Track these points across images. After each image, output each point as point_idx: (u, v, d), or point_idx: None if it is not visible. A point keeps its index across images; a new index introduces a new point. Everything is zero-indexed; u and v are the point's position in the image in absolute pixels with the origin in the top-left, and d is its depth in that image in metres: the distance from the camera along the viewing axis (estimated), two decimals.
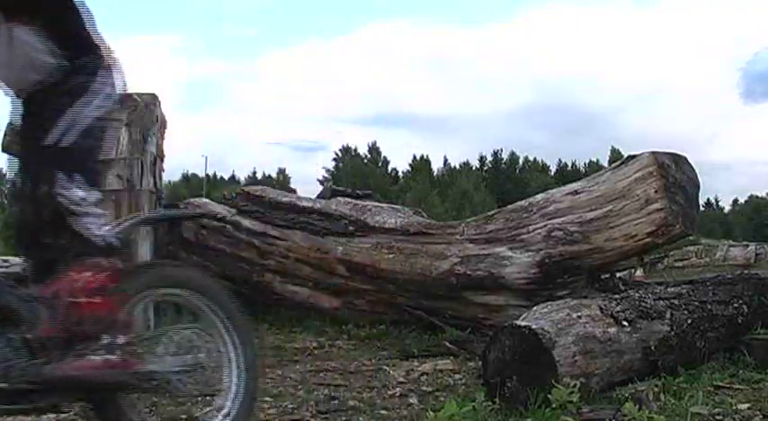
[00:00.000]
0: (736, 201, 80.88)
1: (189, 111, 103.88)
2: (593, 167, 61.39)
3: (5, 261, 8.93)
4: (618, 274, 6.25)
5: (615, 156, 54.74)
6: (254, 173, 75.85)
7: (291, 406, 4.08)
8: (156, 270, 3.08)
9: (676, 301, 4.56)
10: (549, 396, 3.38)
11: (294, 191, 12.25)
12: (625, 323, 4.07)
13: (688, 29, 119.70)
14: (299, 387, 4.57)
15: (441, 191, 66.19)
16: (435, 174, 75.88)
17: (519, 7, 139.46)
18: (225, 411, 3.06)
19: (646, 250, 5.94)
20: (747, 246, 21.04)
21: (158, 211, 6.67)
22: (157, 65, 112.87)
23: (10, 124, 9.10)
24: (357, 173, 66.48)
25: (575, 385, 3.42)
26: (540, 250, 5.71)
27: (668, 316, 4.36)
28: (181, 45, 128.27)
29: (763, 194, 74.70)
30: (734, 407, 3.69)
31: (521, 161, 79.23)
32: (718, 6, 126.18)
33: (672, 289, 4.95)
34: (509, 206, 6.31)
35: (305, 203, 7.41)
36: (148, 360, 2.76)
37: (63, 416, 3.93)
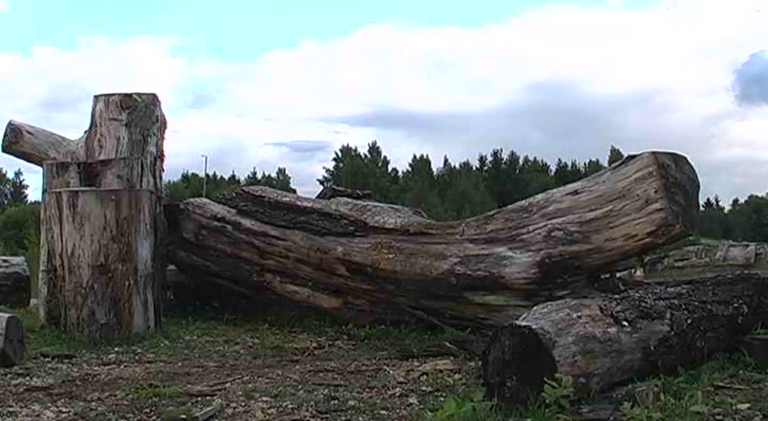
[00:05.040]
0: (736, 201, 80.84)
1: (189, 112, 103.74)
2: (593, 167, 61.27)
3: (5, 261, 8.94)
4: (618, 274, 6.24)
5: (615, 156, 54.66)
6: (254, 173, 75.65)
7: (291, 406, 4.08)
8: None
9: (676, 301, 4.56)
10: (542, 394, 3.39)
11: (294, 191, 12.22)
12: (625, 323, 4.07)
13: (686, 30, 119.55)
14: (299, 387, 4.57)
15: (440, 191, 66.12)
16: (435, 174, 75.80)
17: (518, 8, 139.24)
18: None
19: (646, 250, 5.94)
20: (747, 246, 21.06)
21: None
22: (158, 65, 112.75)
23: (11, 124, 9.05)
24: (357, 173, 66.36)
25: (567, 379, 3.41)
26: (540, 250, 5.71)
27: (668, 316, 4.36)
28: (181, 45, 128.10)
29: (763, 194, 74.67)
30: (734, 407, 3.69)
31: (521, 161, 79.13)
32: (714, 8, 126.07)
33: (672, 289, 4.95)
34: (509, 206, 6.31)
35: (305, 203, 7.40)
36: None
37: (63, 415, 3.94)
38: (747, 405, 3.75)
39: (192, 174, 66.65)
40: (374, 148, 76.64)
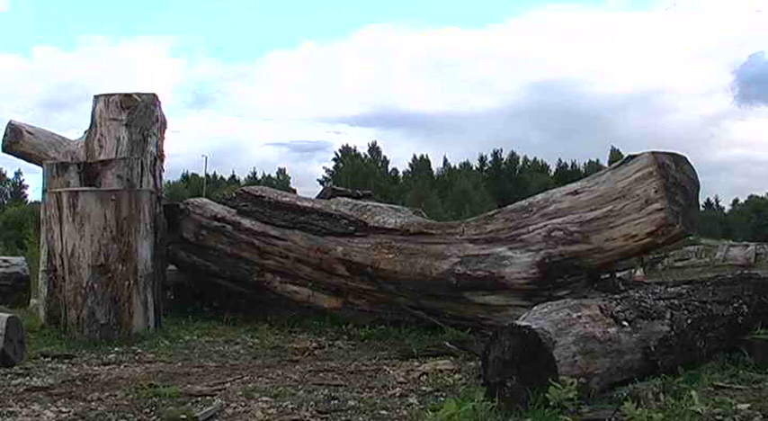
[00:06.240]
0: (736, 201, 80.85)
1: (189, 112, 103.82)
2: (593, 167, 61.27)
3: (5, 261, 8.94)
4: (618, 274, 6.24)
5: (615, 156, 54.67)
6: (254, 173, 75.61)
7: (291, 406, 4.08)
8: None
9: (676, 301, 4.56)
10: (546, 395, 3.39)
11: (294, 191, 12.24)
12: (625, 323, 4.07)
13: (685, 30, 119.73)
14: (299, 387, 4.57)
15: (441, 191, 66.12)
16: (435, 174, 75.84)
17: (518, 8, 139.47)
18: None
19: (646, 250, 5.94)
20: (747, 246, 21.04)
21: None
22: (158, 65, 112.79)
23: (11, 124, 9.06)
24: (357, 173, 66.38)
25: (572, 383, 3.42)
26: (540, 250, 5.71)
27: (668, 316, 4.36)
28: (181, 45, 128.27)
29: (763, 194, 74.70)
30: (734, 407, 3.69)
31: (521, 161, 79.17)
32: (714, 8, 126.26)
33: (672, 289, 4.95)
34: (509, 206, 6.31)
35: (305, 203, 7.40)
36: None
37: (63, 415, 3.94)
38: (747, 405, 3.74)
39: (192, 174, 66.60)
40: (374, 148, 76.71)
